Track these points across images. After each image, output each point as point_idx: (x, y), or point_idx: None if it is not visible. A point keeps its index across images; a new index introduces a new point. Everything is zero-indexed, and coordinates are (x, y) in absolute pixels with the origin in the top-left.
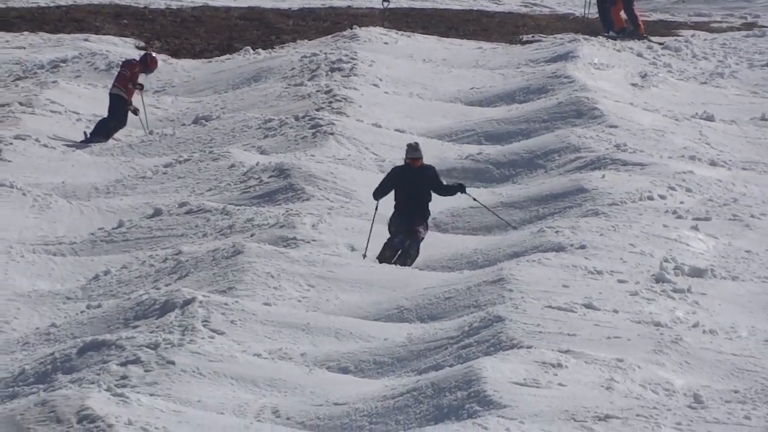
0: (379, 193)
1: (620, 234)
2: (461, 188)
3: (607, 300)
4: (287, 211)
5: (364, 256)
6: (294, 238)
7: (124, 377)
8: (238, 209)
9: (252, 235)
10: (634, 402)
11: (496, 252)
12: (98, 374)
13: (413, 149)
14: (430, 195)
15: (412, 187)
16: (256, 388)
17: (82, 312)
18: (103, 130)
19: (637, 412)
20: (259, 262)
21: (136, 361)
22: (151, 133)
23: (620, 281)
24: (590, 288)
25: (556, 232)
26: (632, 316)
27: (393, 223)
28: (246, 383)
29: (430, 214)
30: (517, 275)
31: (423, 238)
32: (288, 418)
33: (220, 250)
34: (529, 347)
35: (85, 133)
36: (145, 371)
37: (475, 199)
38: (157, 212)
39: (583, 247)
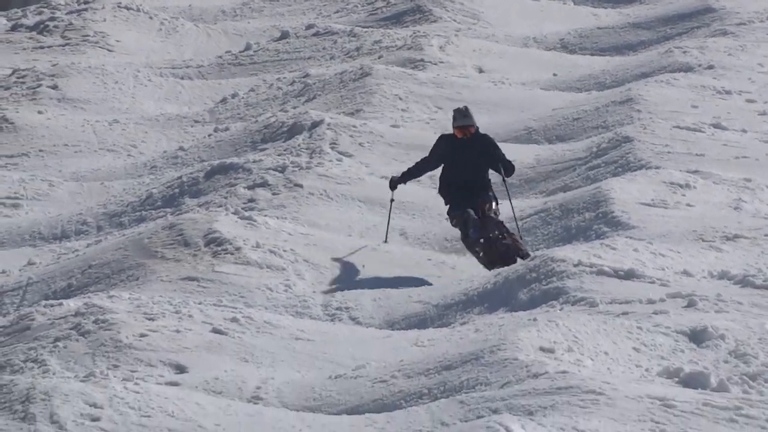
0: (411, 173)
1: (748, 54)
2: (511, 171)
3: (736, 120)
4: (414, 33)
5: (385, 241)
6: (421, 60)
7: (251, 200)
8: (366, 31)
9: (379, 57)
10: (762, 222)
11: (624, 72)
12: (225, 197)
13: (462, 115)
14: (488, 169)
15: (468, 164)
16: (382, 210)
17: (209, 135)
18: None
19: (765, 232)
20: (386, 84)
21: (264, 184)
22: None
23: (749, 101)
24: (719, 108)
25: (684, 52)
26: (761, 135)
27: (455, 210)
28: (374, 206)
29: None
30: (646, 95)
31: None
32: (416, 238)
33: (347, 73)
34: (657, 168)
35: None
36: (273, 194)
37: (507, 190)
38: (284, 35)
39: (711, 67)
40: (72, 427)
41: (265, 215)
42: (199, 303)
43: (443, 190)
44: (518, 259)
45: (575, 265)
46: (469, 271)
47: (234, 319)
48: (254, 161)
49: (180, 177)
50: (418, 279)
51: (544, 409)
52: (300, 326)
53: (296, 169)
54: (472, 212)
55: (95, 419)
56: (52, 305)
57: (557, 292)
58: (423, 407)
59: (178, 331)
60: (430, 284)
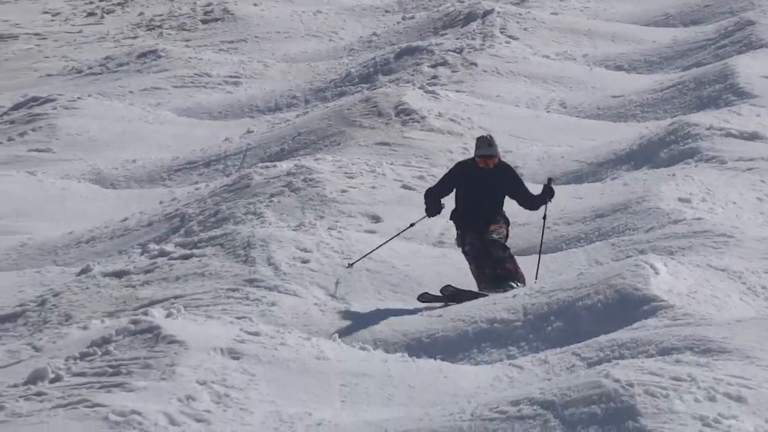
0: (435, 202)
1: None
2: (550, 192)
3: None
4: None
5: (350, 265)
6: None
7: (434, 77)
8: None
9: None
10: None
11: None
12: (412, 75)
13: (487, 144)
14: (504, 197)
15: (483, 192)
16: (545, 84)
17: (398, 23)
18: None
19: None
20: None
21: (444, 63)
22: None
23: None
24: None
25: None
26: None
27: (462, 230)
28: (537, 80)
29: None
30: None
31: (506, 237)
32: (573, 108)
33: None
34: None
35: None
36: (452, 72)
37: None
38: None
39: None
40: (286, 268)
41: (446, 89)
42: (391, 164)
43: (456, 217)
44: (513, 284)
45: (707, 129)
46: (615, 137)
47: (420, 177)
48: (436, 44)
49: (374, 58)
50: (576, 141)
51: (682, 249)
52: None
53: (471, 50)
54: (473, 233)
55: (305, 261)
56: (267, 166)
57: (692, 152)
58: (580, 249)
59: (373, 187)
60: (586, 146)
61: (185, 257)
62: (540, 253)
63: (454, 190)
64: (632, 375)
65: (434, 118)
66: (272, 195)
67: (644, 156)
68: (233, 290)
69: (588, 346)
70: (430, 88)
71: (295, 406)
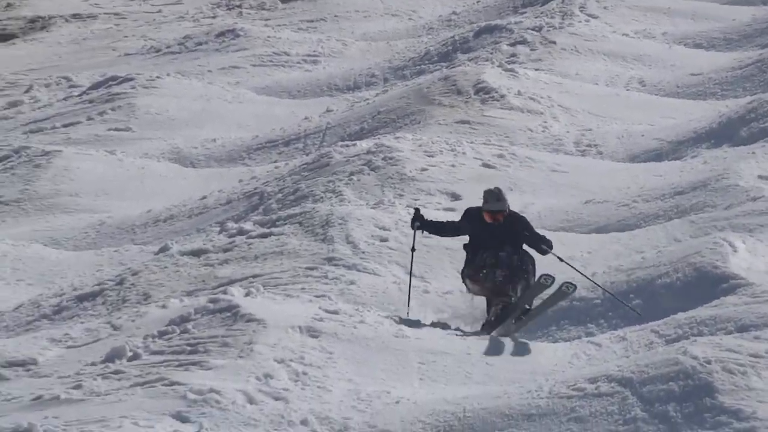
0: (436, 227)
1: None
2: (549, 244)
3: None
4: None
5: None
6: None
7: (513, 55)
8: None
9: None
10: None
11: None
12: (491, 53)
13: (495, 198)
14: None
15: (494, 245)
16: (624, 62)
17: (477, 1)
18: None
19: None
20: None
21: (524, 41)
22: None
23: None
24: None
25: None
26: None
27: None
28: (616, 58)
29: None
30: None
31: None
32: (653, 86)
33: None
34: None
35: None
36: (531, 50)
37: (560, 259)
38: None
39: None
40: (364, 247)
41: (525, 68)
42: (471, 142)
43: (470, 267)
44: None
45: None
46: (695, 115)
47: (500, 155)
48: (515, 22)
49: (453, 36)
50: (655, 119)
51: (761, 227)
52: (556, 160)
53: (550, 28)
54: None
55: (383, 240)
56: (347, 145)
57: None
58: (659, 226)
59: (453, 166)
60: (666, 124)
61: (264, 236)
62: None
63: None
64: (710, 352)
65: (513, 96)
66: (351, 173)
67: (724, 134)
68: (312, 269)
69: (666, 323)
70: (509, 67)
71: (374, 384)
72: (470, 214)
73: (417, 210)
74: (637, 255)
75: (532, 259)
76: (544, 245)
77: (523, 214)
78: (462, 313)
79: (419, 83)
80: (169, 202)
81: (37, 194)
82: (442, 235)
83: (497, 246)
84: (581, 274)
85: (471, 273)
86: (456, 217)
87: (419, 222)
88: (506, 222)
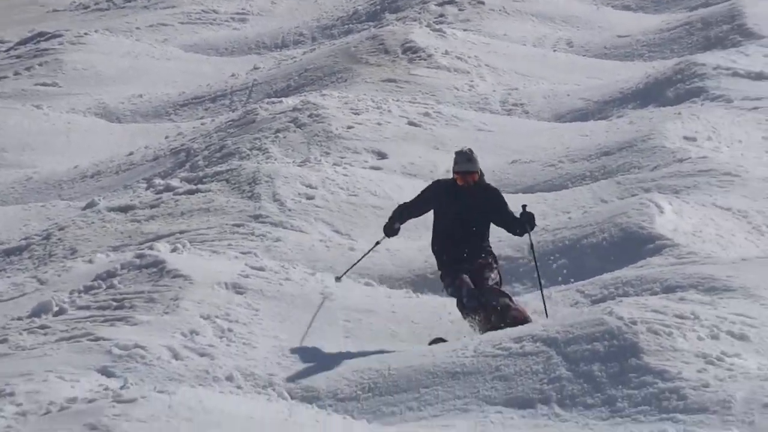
0: (401, 215)
1: None
2: (530, 219)
3: None
4: None
5: (338, 279)
6: None
7: (441, 15)
8: None
9: None
10: None
11: None
12: (420, 13)
13: (466, 158)
14: (488, 227)
15: (464, 216)
16: (552, 24)
17: None
18: None
19: None
20: None
21: (452, 1)
22: None
23: None
24: None
25: None
26: None
27: (445, 268)
28: (544, 19)
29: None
30: None
31: (499, 281)
32: (580, 47)
33: None
34: None
35: None
36: (459, 10)
37: (532, 247)
38: None
39: None
40: (291, 204)
41: (453, 28)
42: (397, 100)
43: (435, 247)
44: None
45: (714, 68)
46: (622, 76)
47: (426, 114)
48: None
49: None
50: (582, 80)
51: (687, 188)
52: (482, 119)
53: None
54: (466, 278)
55: (310, 198)
56: (273, 102)
57: (698, 91)
58: (586, 187)
59: (379, 124)
60: (592, 84)
61: (191, 192)
62: (541, 288)
63: (432, 211)
64: (636, 312)
65: (441, 56)
66: (278, 131)
67: (650, 95)
68: (238, 226)
69: (592, 283)
70: (437, 27)
71: (299, 341)
72: (438, 183)
73: (386, 227)
74: (563, 215)
75: (495, 258)
76: (519, 228)
77: (495, 187)
78: (388, 273)
79: (347, 42)
80: (95, 157)
81: None
82: (406, 220)
83: (466, 218)
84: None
85: (467, 312)
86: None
87: (397, 223)
88: (478, 189)
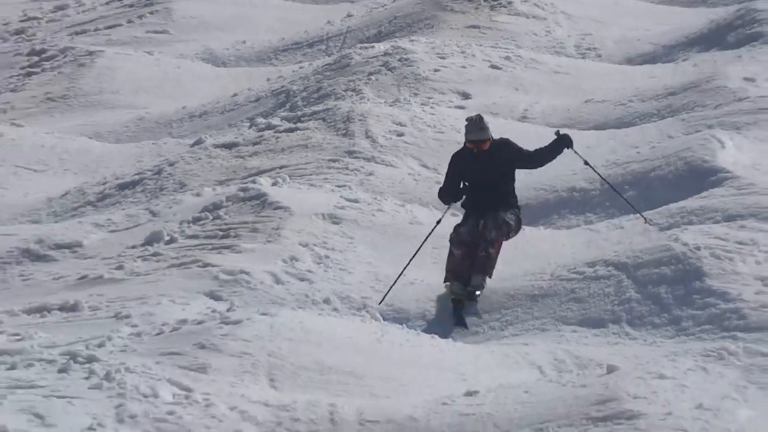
0: (448, 194)
1: None
2: (567, 141)
3: None
4: None
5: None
6: None
7: None
8: None
9: None
10: None
11: None
12: None
13: (477, 127)
14: (512, 179)
15: (485, 176)
16: None
17: None
18: None
19: None
20: None
21: None
22: None
23: None
24: None
25: None
26: None
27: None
28: None
29: (518, 202)
30: None
31: (510, 231)
32: None
33: None
34: None
35: None
36: None
37: (586, 163)
38: None
39: None
40: (382, 141)
41: None
42: (480, 45)
43: (465, 210)
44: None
45: None
46: (687, 22)
47: (507, 58)
48: None
49: None
50: (651, 26)
51: (747, 125)
52: (558, 63)
53: None
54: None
55: (400, 135)
56: (366, 47)
57: (758, 35)
58: (653, 124)
59: (463, 67)
60: (660, 30)
61: (290, 130)
62: (626, 201)
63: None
64: (699, 239)
65: (520, 3)
66: (370, 73)
67: (713, 39)
68: (334, 161)
69: (659, 212)
70: None
71: (390, 267)
72: (457, 155)
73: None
74: (632, 150)
75: (516, 220)
76: (551, 155)
77: (506, 138)
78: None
79: None
80: (203, 99)
81: (81, 91)
82: (455, 199)
83: (487, 179)
84: (593, 169)
85: (458, 254)
86: None
87: (451, 202)
88: (493, 149)
